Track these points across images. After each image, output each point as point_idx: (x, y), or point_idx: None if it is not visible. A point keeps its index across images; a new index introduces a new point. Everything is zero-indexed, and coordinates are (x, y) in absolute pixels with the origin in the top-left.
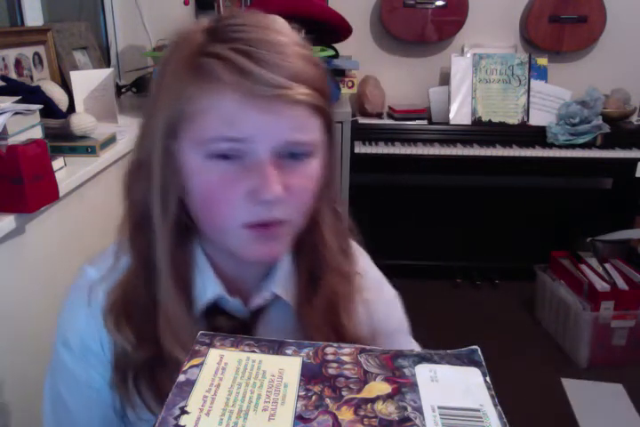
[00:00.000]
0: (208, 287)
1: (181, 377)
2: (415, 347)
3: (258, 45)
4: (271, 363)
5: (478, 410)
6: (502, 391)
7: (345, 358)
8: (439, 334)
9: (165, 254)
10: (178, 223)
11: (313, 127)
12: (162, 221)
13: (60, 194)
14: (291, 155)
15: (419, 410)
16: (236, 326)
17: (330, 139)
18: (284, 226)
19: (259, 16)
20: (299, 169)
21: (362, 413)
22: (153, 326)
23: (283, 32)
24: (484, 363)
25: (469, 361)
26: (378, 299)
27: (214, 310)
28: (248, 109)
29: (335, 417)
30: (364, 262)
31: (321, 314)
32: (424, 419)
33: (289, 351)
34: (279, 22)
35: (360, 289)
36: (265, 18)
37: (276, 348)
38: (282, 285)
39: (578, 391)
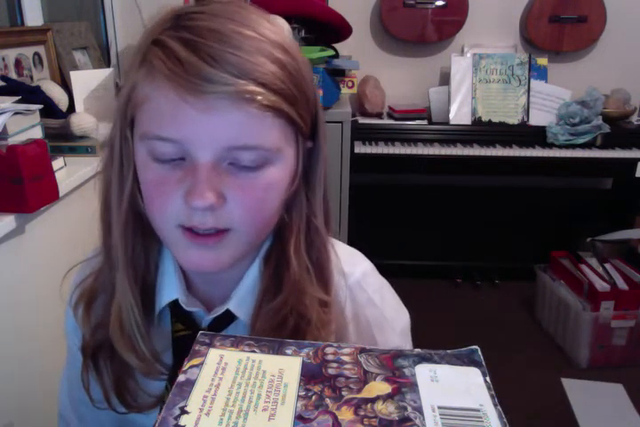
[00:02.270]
0: (167, 291)
1: (181, 377)
2: None
3: (207, 36)
4: (271, 363)
5: (478, 410)
6: (502, 391)
7: (345, 358)
8: (439, 334)
9: (121, 246)
10: (138, 217)
11: (266, 131)
12: (117, 211)
13: (60, 194)
14: (239, 163)
15: (419, 410)
16: (190, 335)
17: (310, 149)
18: (227, 235)
19: (230, 6)
20: (249, 178)
21: (362, 413)
22: (109, 315)
23: (250, 24)
24: (484, 363)
25: (469, 361)
26: (369, 325)
27: (177, 314)
28: (186, 107)
29: (335, 417)
30: (365, 295)
31: (274, 335)
32: (424, 419)
33: (289, 351)
34: (258, 16)
35: (336, 316)
36: (234, 8)
37: (276, 348)
38: (240, 300)
39: (578, 391)
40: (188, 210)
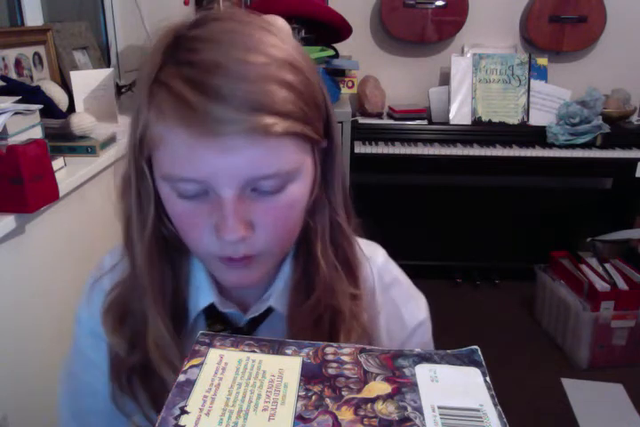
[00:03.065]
0: (201, 297)
1: (181, 377)
2: None
3: (213, 71)
4: (271, 363)
5: (478, 410)
6: (502, 391)
7: (345, 358)
8: (439, 334)
9: (146, 269)
10: (159, 237)
11: (284, 155)
12: (139, 239)
13: (60, 194)
14: (262, 189)
15: (419, 410)
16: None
17: (325, 153)
18: (260, 257)
19: (230, 23)
20: (273, 200)
21: (362, 413)
22: (144, 334)
23: (255, 47)
24: (483, 363)
25: (469, 361)
26: (395, 320)
27: (213, 315)
28: (200, 149)
29: (335, 417)
30: (389, 276)
31: (311, 330)
32: (424, 419)
33: (289, 351)
34: (260, 32)
35: (369, 309)
36: (235, 26)
37: (276, 348)
38: (278, 296)
39: (578, 391)
40: (219, 242)
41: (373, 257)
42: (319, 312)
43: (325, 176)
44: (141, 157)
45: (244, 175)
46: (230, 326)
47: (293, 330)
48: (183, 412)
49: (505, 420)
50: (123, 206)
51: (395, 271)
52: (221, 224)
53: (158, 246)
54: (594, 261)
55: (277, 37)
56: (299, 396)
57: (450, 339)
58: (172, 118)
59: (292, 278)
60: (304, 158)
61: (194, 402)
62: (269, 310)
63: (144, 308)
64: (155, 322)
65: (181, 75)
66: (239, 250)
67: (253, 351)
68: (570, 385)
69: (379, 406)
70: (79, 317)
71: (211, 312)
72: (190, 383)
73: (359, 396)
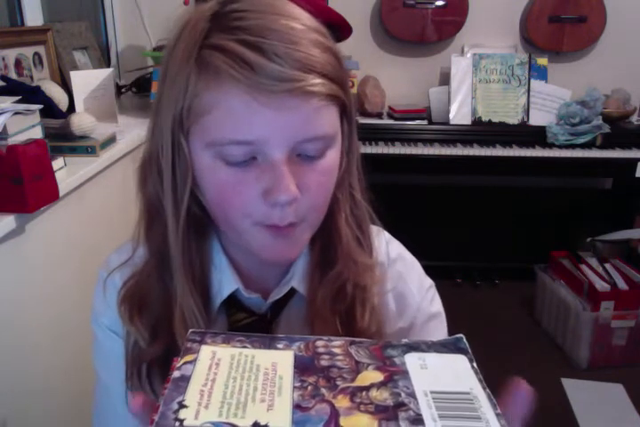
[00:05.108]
0: (224, 284)
1: (176, 373)
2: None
3: (265, 34)
4: (264, 357)
5: (469, 393)
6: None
7: (336, 351)
8: None
9: (179, 250)
10: (192, 218)
11: (328, 118)
12: (174, 218)
13: (60, 194)
14: (307, 153)
15: (412, 395)
16: (255, 320)
17: (348, 124)
18: (301, 226)
19: None
20: (315, 165)
21: (358, 400)
22: (168, 320)
23: (294, 16)
24: (469, 350)
25: (455, 349)
26: (404, 289)
27: (234, 305)
28: (258, 108)
29: (332, 405)
30: (395, 251)
31: (330, 304)
32: (418, 403)
33: (280, 346)
34: (289, 5)
35: (381, 280)
36: (270, 0)
37: (267, 343)
38: (299, 277)
39: (578, 391)
40: (265, 208)
41: (380, 234)
42: (340, 286)
43: (349, 148)
44: (181, 132)
45: (295, 136)
46: (254, 314)
47: (312, 307)
48: (182, 406)
49: (495, 401)
50: (146, 189)
51: (399, 247)
52: (275, 186)
53: (188, 224)
54: (594, 261)
55: (302, 11)
56: (294, 387)
57: None
58: (231, 79)
59: (310, 259)
60: (339, 126)
61: (191, 396)
62: (290, 294)
63: (171, 289)
64: (186, 299)
65: (235, 38)
66: (287, 216)
67: (245, 347)
68: (570, 385)
69: (373, 393)
70: (95, 317)
71: (231, 302)
72: (185, 379)
73: (353, 385)
